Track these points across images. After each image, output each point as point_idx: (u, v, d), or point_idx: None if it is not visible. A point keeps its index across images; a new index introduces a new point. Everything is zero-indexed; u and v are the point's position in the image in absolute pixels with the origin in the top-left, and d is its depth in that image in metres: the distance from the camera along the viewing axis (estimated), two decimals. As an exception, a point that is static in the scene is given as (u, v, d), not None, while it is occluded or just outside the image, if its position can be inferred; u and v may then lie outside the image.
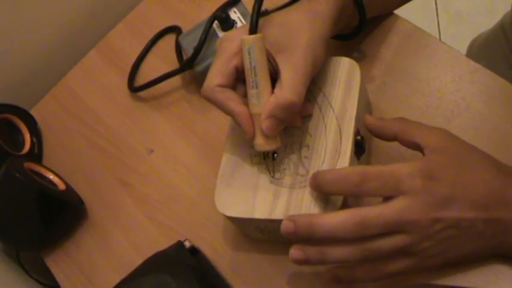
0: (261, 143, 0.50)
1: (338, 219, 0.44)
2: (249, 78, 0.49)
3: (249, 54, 0.48)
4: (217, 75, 0.50)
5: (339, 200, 0.49)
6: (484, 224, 0.45)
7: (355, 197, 0.50)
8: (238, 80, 0.51)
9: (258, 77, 0.49)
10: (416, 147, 0.48)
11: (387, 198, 0.45)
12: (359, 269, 0.47)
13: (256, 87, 0.49)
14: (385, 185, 0.44)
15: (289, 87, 0.48)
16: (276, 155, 0.53)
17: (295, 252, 0.46)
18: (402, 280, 0.50)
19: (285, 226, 0.46)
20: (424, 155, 0.47)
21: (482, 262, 0.49)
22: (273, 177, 0.52)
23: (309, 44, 0.49)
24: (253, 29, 0.49)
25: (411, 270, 0.47)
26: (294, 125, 0.53)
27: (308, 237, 0.45)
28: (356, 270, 0.47)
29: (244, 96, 0.51)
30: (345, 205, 0.49)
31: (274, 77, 0.50)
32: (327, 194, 0.49)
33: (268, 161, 0.53)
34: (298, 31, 0.50)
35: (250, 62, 0.49)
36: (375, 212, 0.44)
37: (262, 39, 0.49)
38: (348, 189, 0.46)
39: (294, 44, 0.49)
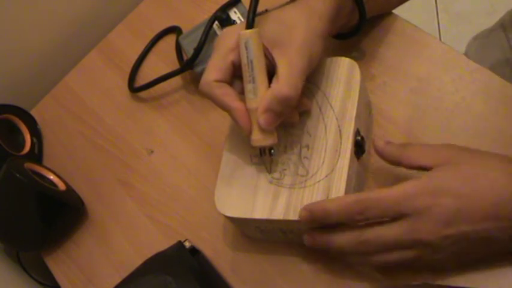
0: (258, 138, 0.50)
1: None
2: (246, 73, 0.49)
3: (246, 48, 0.49)
4: (214, 70, 0.50)
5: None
6: (497, 231, 0.44)
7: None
8: (236, 76, 0.51)
9: (255, 71, 0.49)
10: (423, 169, 0.48)
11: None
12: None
13: (253, 82, 0.49)
14: (386, 212, 0.45)
15: (286, 81, 0.48)
16: (272, 151, 0.52)
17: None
18: (405, 279, 0.50)
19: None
20: None
21: (483, 262, 0.49)
22: (269, 173, 0.52)
23: (305, 40, 0.49)
24: (250, 24, 0.49)
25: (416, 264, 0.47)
26: (291, 120, 0.53)
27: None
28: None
29: (241, 92, 0.51)
30: None
31: (271, 73, 0.50)
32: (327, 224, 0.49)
33: (265, 158, 0.53)
34: (295, 27, 0.50)
35: (247, 57, 0.49)
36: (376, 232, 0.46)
37: (259, 34, 0.49)
38: (351, 219, 0.47)
39: (290, 39, 0.49)
